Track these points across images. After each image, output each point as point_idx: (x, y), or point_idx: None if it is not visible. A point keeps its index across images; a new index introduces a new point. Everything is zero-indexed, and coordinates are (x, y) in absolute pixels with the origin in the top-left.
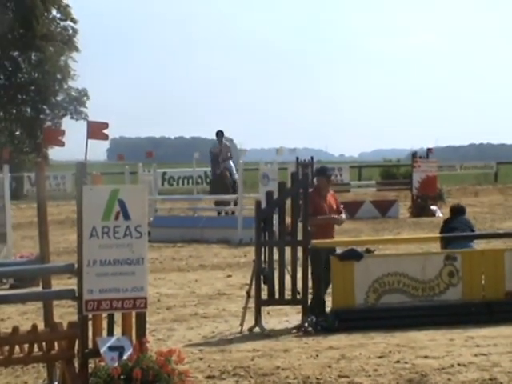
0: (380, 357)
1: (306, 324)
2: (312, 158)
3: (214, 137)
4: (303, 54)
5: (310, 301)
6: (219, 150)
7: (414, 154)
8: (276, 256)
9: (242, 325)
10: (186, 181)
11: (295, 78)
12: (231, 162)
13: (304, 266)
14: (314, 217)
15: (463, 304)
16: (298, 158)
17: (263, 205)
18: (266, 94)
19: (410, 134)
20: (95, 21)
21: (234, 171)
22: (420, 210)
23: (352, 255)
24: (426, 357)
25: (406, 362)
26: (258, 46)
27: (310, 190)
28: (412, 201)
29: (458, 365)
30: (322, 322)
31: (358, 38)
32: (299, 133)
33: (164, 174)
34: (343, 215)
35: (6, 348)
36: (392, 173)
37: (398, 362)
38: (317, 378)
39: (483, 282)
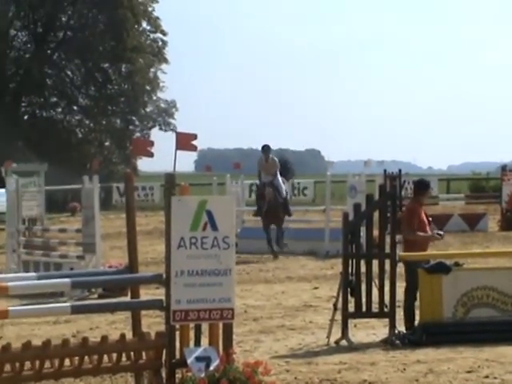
0: (469, 372)
1: (394, 337)
2: (400, 170)
3: (299, 148)
4: (398, 66)
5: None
6: (264, 165)
7: (503, 167)
8: (363, 268)
9: (328, 337)
10: None
11: (383, 89)
12: (279, 179)
13: (391, 278)
14: (420, 231)
15: None
16: (385, 171)
17: (351, 217)
18: (353, 106)
19: (500, 147)
20: (184, 32)
21: (283, 188)
22: (509, 223)
23: (440, 268)
24: None
25: (495, 378)
26: (344, 58)
27: (412, 202)
28: (501, 214)
29: None
30: (409, 335)
31: (446, 49)
32: (387, 145)
33: (251, 185)
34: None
35: (95, 357)
36: (481, 186)
37: (487, 377)
38: None
39: None
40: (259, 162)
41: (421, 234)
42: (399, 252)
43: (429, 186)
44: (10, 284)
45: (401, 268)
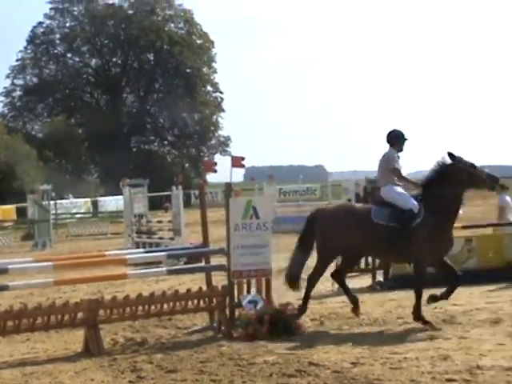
0: (424, 305)
1: (375, 284)
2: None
3: (310, 164)
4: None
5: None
6: None
7: None
8: None
9: (333, 285)
10: (293, 193)
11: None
12: None
13: None
14: None
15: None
16: (366, 177)
17: None
18: (347, 129)
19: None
20: (236, 88)
21: None
22: None
23: None
24: (454, 304)
25: (441, 308)
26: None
27: None
28: None
29: (476, 309)
30: (386, 283)
31: None
32: (370, 157)
33: (280, 189)
34: None
35: (183, 302)
36: None
37: (435, 308)
38: (383, 319)
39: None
40: None
41: None
42: None
43: None
44: (127, 256)
45: None
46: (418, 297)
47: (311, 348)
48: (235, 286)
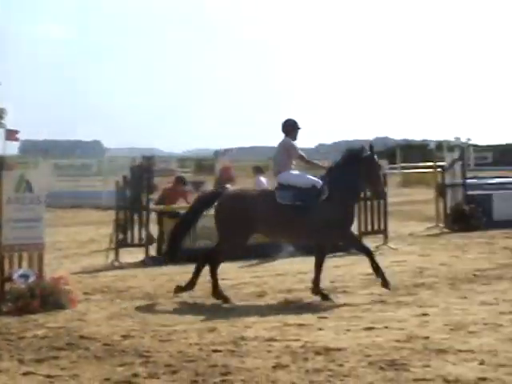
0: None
1: (147, 259)
2: (152, 155)
3: (87, 138)
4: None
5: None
6: None
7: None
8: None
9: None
10: (70, 168)
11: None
12: None
13: (146, 222)
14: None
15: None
16: (144, 156)
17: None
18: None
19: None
20: (13, 63)
21: None
22: None
23: (176, 215)
24: (223, 279)
25: (210, 282)
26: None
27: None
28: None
29: (243, 283)
30: (158, 258)
31: None
32: (149, 134)
33: (56, 163)
34: None
35: None
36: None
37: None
38: (154, 293)
39: None
40: None
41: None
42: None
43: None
44: None
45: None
46: (373, 263)
47: (82, 321)
48: (6, 260)
